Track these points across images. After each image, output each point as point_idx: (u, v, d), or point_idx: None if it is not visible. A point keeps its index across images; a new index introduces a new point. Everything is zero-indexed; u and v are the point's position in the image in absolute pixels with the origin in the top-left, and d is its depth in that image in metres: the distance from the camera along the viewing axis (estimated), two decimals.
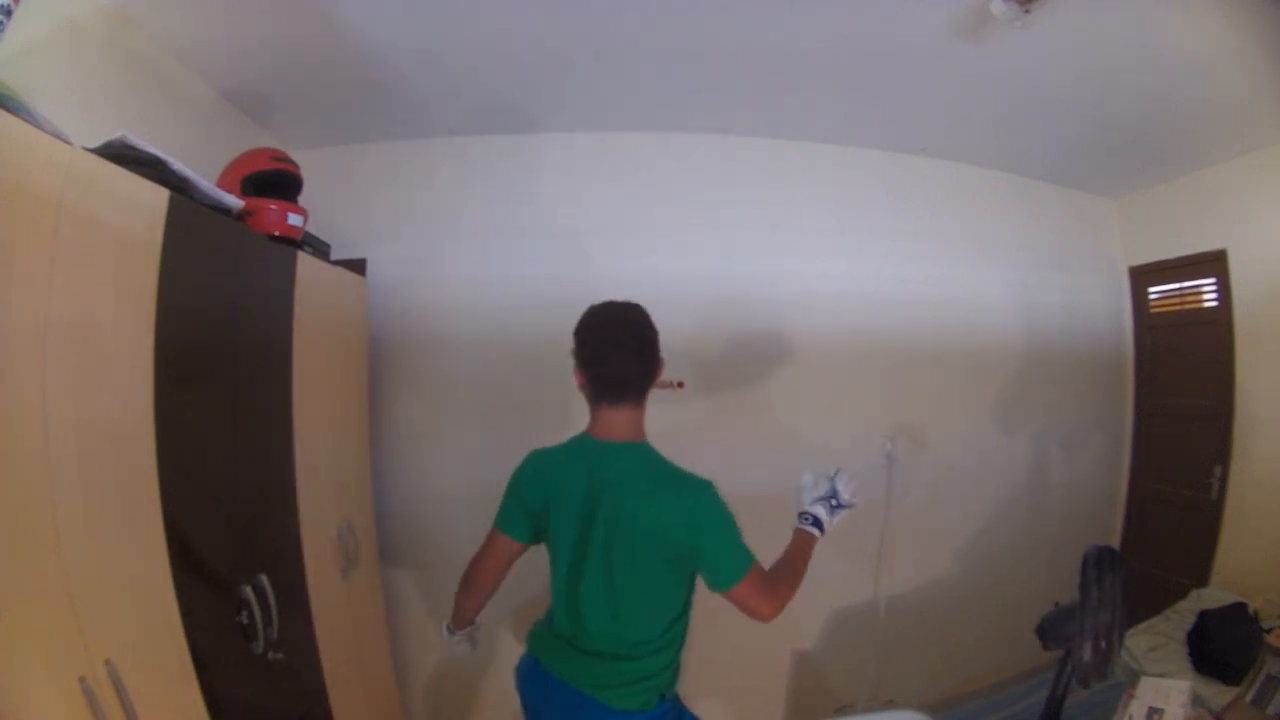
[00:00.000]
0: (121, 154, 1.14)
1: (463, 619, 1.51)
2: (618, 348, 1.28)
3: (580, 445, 1.34)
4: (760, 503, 2.62)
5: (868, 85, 2.19)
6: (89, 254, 1.01)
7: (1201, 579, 2.59)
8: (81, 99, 1.46)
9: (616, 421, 1.30)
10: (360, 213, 2.51)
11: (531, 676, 1.37)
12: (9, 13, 1.08)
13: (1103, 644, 1.50)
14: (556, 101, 2.33)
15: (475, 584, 1.44)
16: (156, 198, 1.16)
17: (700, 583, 1.30)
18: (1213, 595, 2.36)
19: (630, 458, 1.29)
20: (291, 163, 1.72)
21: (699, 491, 1.24)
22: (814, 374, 2.62)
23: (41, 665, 0.91)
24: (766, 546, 2.61)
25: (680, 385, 2.47)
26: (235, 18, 1.72)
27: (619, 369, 1.28)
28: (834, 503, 1.48)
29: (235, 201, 1.47)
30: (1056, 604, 1.60)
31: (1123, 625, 1.57)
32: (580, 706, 1.26)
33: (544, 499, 1.33)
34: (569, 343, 1.39)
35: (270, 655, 1.39)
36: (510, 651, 2.42)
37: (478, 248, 2.53)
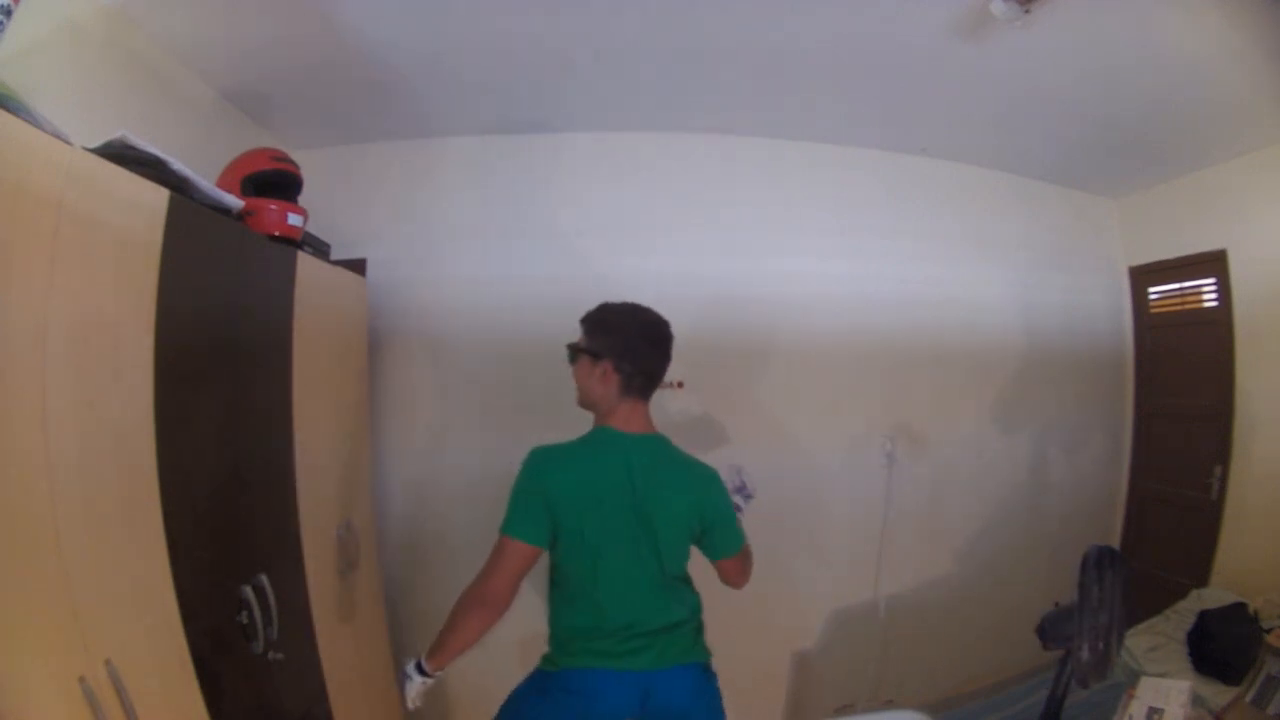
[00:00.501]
0: (121, 154, 1.14)
1: (448, 658, 1.33)
2: (655, 346, 1.40)
3: (606, 439, 1.37)
4: (760, 499, 2.62)
5: (868, 85, 2.19)
6: (89, 254, 1.01)
7: (1201, 579, 2.59)
8: (81, 99, 1.46)
9: (641, 415, 1.40)
10: (360, 213, 2.51)
11: (603, 686, 1.31)
12: (9, 13, 1.08)
13: (1101, 644, 1.50)
14: (556, 101, 2.33)
15: (490, 607, 1.29)
16: (156, 198, 1.16)
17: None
18: (1213, 595, 2.36)
19: (658, 448, 1.41)
20: (291, 163, 1.72)
21: (713, 477, 1.45)
22: (814, 374, 2.62)
23: (41, 665, 0.91)
24: (768, 541, 2.61)
25: (680, 385, 2.47)
26: (235, 18, 1.72)
27: (653, 365, 1.39)
28: (745, 493, 1.71)
29: (235, 201, 1.47)
30: (1056, 604, 1.60)
31: (1122, 625, 1.57)
32: (684, 679, 1.36)
33: (586, 496, 1.31)
34: (568, 341, 1.43)
35: (270, 655, 1.39)
36: (507, 648, 2.42)
37: (478, 248, 2.53)
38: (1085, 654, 1.49)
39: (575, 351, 1.42)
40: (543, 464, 1.34)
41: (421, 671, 1.33)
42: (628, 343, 1.37)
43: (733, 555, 1.46)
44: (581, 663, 1.33)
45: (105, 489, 1.03)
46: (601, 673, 1.32)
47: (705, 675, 1.41)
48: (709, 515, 1.42)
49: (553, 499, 1.31)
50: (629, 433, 1.38)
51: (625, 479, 1.33)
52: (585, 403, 1.43)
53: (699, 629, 1.44)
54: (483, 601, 1.29)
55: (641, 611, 1.34)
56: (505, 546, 1.30)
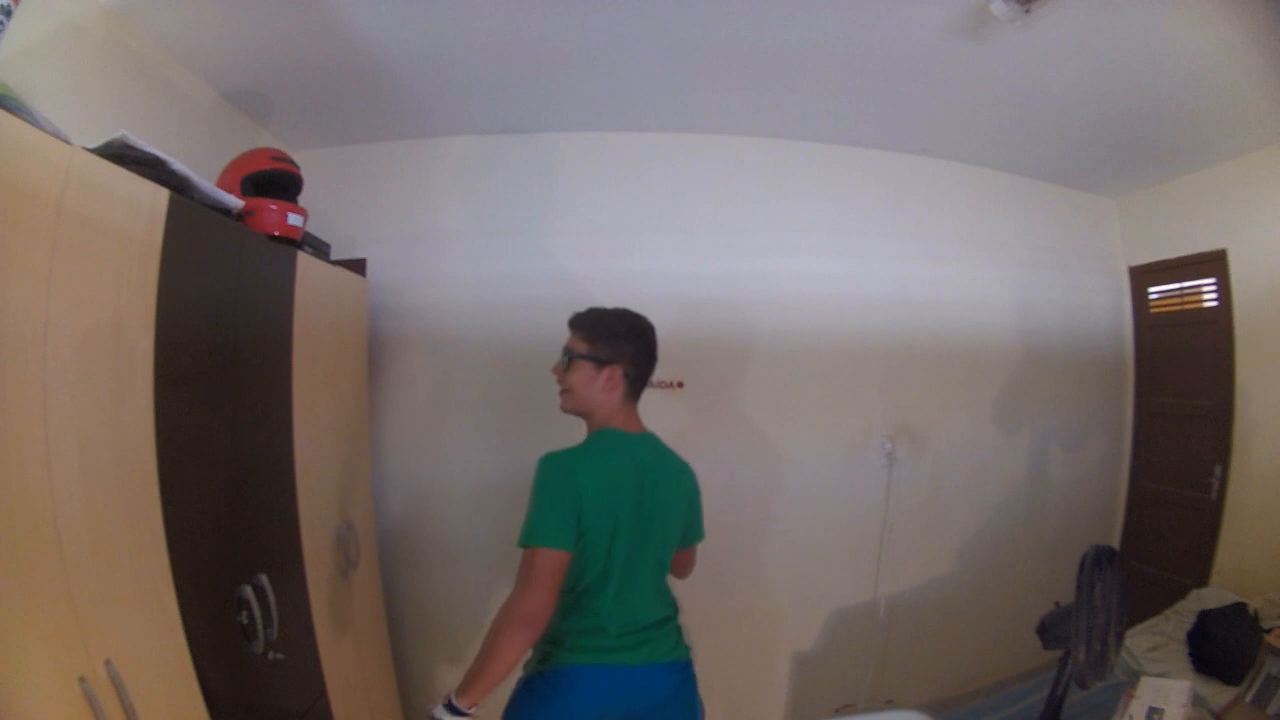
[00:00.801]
0: (121, 154, 1.14)
1: (486, 690, 1.22)
2: (651, 349, 1.44)
3: (615, 441, 1.39)
4: (760, 500, 2.63)
5: (868, 85, 2.19)
6: (89, 254, 1.01)
7: (1201, 579, 2.59)
8: (81, 99, 1.47)
9: (637, 416, 1.45)
10: (360, 213, 2.51)
11: (601, 682, 1.32)
12: (9, 13, 1.08)
13: (1099, 645, 1.50)
14: (556, 101, 2.33)
15: (534, 627, 1.23)
16: (156, 198, 1.16)
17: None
18: (1213, 595, 2.36)
19: (655, 446, 1.46)
20: (291, 163, 1.72)
21: (691, 471, 1.52)
22: (814, 374, 2.62)
23: (41, 665, 0.91)
24: (769, 540, 2.60)
25: (680, 385, 2.47)
26: (235, 18, 1.72)
27: (650, 368, 1.45)
28: None
29: (235, 201, 1.48)
30: (1057, 604, 1.61)
31: (1120, 626, 1.57)
32: (669, 676, 1.38)
33: (608, 497, 1.31)
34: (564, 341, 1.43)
35: (270, 655, 1.39)
36: None
37: (477, 248, 2.53)
38: (1082, 655, 1.49)
39: (574, 357, 1.41)
40: (569, 469, 1.31)
41: (454, 711, 1.22)
42: (635, 348, 1.41)
43: (695, 544, 1.56)
44: (580, 659, 1.32)
45: (105, 489, 1.03)
46: (599, 669, 1.32)
47: (687, 672, 1.44)
48: (692, 506, 1.51)
49: (583, 503, 1.29)
50: (631, 432, 1.42)
51: (635, 478, 1.36)
52: (580, 408, 1.42)
53: (679, 625, 1.48)
54: (528, 623, 1.22)
55: (641, 608, 1.36)
56: (541, 559, 1.23)
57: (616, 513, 1.32)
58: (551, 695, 1.31)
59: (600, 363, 1.38)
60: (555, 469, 1.30)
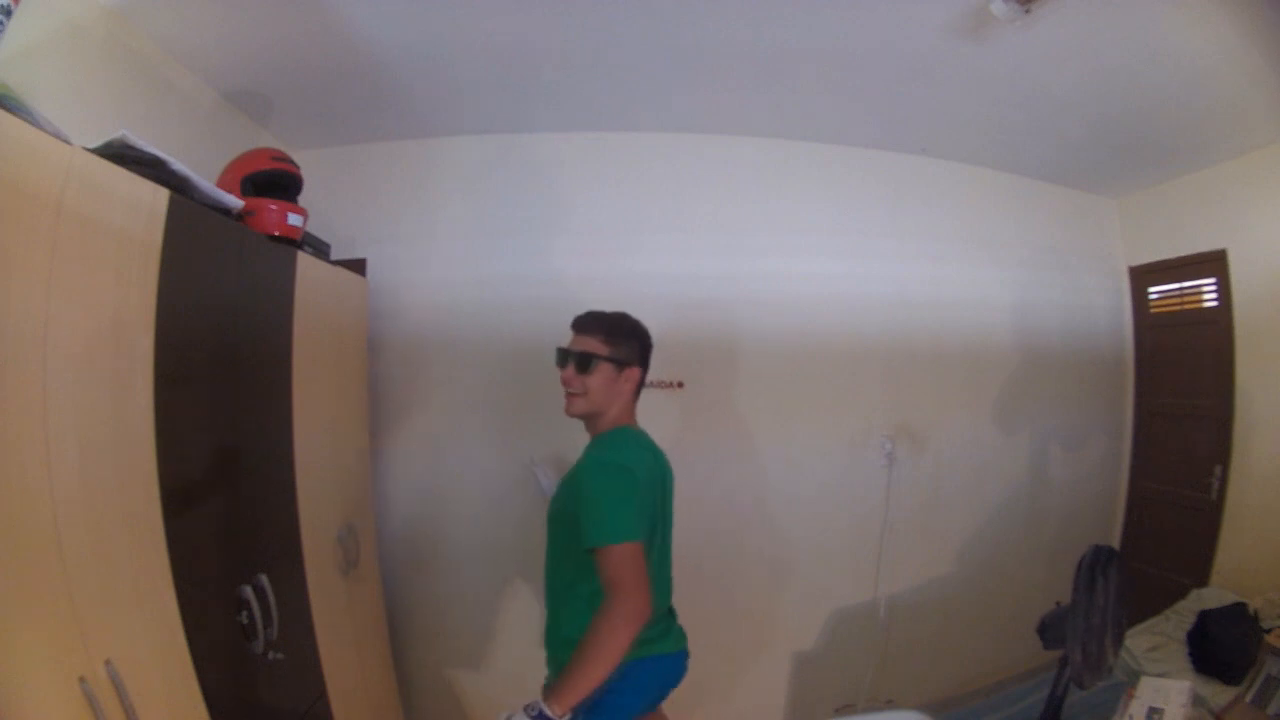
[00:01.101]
0: (121, 154, 1.14)
1: (582, 695, 1.17)
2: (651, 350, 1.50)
3: (637, 437, 1.46)
4: (760, 499, 2.63)
5: (868, 85, 2.19)
6: (89, 254, 1.01)
7: (1201, 579, 2.59)
8: (81, 99, 1.46)
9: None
10: (360, 213, 2.51)
11: (657, 675, 1.41)
12: (9, 13, 1.08)
13: (1094, 646, 1.50)
14: (555, 101, 2.32)
15: (643, 621, 1.20)
16: (156, 198, 1.16)
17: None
18: (1213, 595, 2.36)
19: (651, 440, 1.51)
20: (291, 163, 1.72)
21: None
22: (814, 374, 2.62)
23: (41, 665, 0.91)
24: (770, 540, 2.60)
25: (680, 385, 2.47)
26: (235, 18, 1.72)
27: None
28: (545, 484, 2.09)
29: (235, 201, 1.48)
30: (1058, 604, 1.60)
31: (1118, 627, 1.57)
32: (685, 659, 1.48)
33: (653, 494, 1.39)
34: (565, 343, 1.45)
35: (270, 655, 1.39)
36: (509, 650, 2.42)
37: (478, 248, 2.53)
38: (1079, 655, 1.49)
39: (595, 359, 1.40)
40: (628, 466, 1.32)
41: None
42: (644, 348, 1.47)
43: None
44: (630, 655, 1.25)
45: (105, 489, 1.03)
46: (646, 661, 1.34)
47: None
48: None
49: (641, 498, 1.32)
50: (639, 430, 1.48)
51: (657, 472, 1.43)
52: (595, 410, 1.42)
53: None
54: (639, 619, 1.19)
55: (664, 594, 1.46)
56: (629, 554, 1.22)
57: (654, 505, 1.39)
58: (605, 695, 1.24)
59: (621, 364, 1.41)
60: (615, 468, 1.32)
